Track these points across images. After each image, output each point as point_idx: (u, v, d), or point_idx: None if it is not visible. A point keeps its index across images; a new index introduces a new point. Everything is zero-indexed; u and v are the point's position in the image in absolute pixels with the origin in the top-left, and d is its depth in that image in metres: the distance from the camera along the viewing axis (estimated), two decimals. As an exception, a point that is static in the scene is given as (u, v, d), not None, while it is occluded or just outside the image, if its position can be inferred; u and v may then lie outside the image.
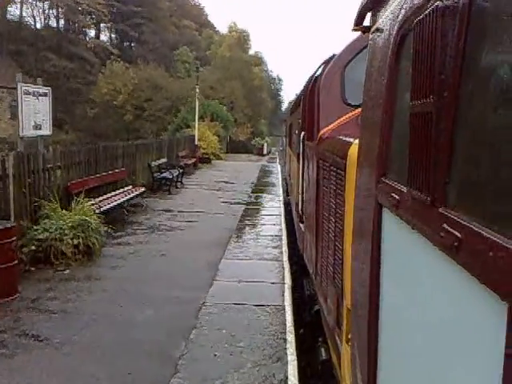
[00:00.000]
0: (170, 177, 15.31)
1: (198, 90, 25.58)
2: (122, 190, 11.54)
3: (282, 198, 14.54)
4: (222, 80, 49.74)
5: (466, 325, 1.01)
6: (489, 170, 0.97)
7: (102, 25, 58.11)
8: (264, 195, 15.50)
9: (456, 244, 1.00)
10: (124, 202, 10.84)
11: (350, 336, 2.79)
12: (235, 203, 13.49)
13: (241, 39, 53.03)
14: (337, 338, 3.51)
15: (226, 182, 18.28)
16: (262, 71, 57.32)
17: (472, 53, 1.08)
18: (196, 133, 25.16)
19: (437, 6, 1.21)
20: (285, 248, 8.67)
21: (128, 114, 45.80)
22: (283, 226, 10.64)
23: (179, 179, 16.69)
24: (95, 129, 45.21)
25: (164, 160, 16.83)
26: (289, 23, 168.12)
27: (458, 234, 1.00)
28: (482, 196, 1.00)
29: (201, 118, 32.20)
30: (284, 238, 9.50)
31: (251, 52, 56.94)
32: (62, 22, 53.77)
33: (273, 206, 13.31)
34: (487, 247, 0.87)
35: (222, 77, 50.08)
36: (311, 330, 5.44)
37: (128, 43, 61.23)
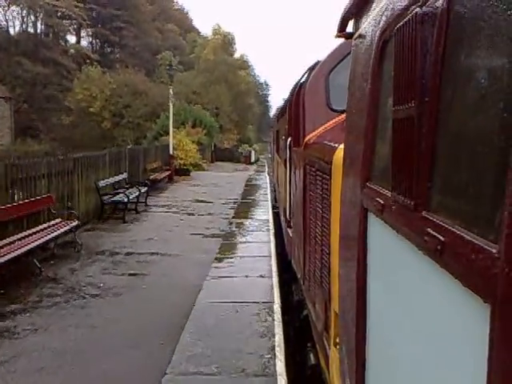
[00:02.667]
0: (125, 200, 11.58)
1: (171, 92, 21.45)
2: (42, 226, 8.01)
3: (271, 227, 10.93)
4: (206, 84, 47.54)
5: (450, 327, 1.02)
6: (470, 174, 0.98)
7: (82, 31, 56.58)
8: (248, 222, 11.89)
9: (439, 247, 1.02)
10: (40, 244, 7.32)
11: (337, 340, 2.80)
12: (209, 235, 9.98)
13: (225, 42, 50.95)
14: (325, 342, 3.51)
15: (203, 202, 14.93)
16: (248, 75, 55.22)
17: (451, 58, 1.10)
18: (171, 141, 21.27)
19: (416, 12, 1.23)
20: (278, 339, 4.95)
21: (105, 122, 42.90)
22: (274, 279, 6.94)
23: (142, 200, 13.34)
24: (71, 138, 42.57)
25: (123, 176, 13.59)
26: (276, 29, 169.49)
27: (441, 238, 1.01)
28: (463, 200, 1.01)
29: (182, 124, 30.50)
30: (277, 307, 5.82)
31: (237, 55, 54.92)
32: (38, 26, 52.33)
33: (260, 241, 9.62)
34: (469, 250, 0.88)
35: (206, 81, 47.89)
36: (300, 335, 5.43)
37: (110, 48, 59.54)
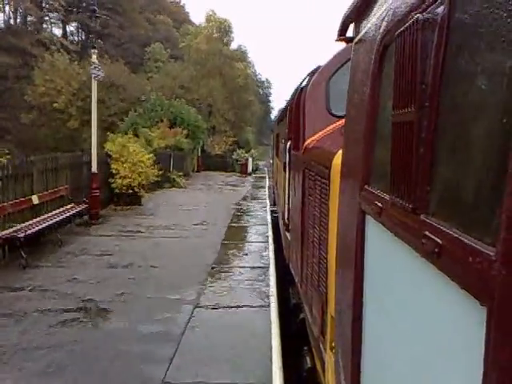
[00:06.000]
0: None
1: (95, 60, 12.16)
2: None
3: None
4: (197, 78, 41.16)
5: (447, 329, 1.03)
6: (468, 177, 0.99)
7: (67, 26, 51.27)
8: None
9: (437, 250, 1.02)
10: None
11: (333, 343, 2.80)
12: None
13: (221, 30, 43.17)
14: (321, 345, 3.51)
15: (88, 320, 5.63)
16: (246, 68, 47.04)
17: (451, 63, 1.11)
18: (93, 149, 12.14)
19: (417, 18, 1.24)
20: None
21: (72, 120, 34.99)
22: None
23: None
24: (35, 139, 35.78)
25: None
26: (280, 28, 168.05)
27: (439, 241, 1.02)
28: (461, 203, 1.02)
29: (157, 122, 25.00)
30: None
31: (234, 46, 46.55)
32: (15, 16, 47.01)
33: None
34: (467, 253, 0.89)
35: (197, 74, 41.52)
36: (296, 339, 5.43)
37: (97, 39, 55.43)
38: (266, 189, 20.79)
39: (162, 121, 25.18)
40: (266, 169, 33.48)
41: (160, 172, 15.68)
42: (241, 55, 46.78)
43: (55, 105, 35.06)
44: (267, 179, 24.76)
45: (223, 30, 43.89)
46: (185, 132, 25.54)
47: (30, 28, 48.32)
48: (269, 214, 13.63)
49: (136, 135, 20.41)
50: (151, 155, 15.24)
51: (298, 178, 5.36)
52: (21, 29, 46.51)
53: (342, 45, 4.70)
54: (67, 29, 54.34)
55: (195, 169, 28.97)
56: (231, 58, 44.20)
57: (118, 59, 40.67)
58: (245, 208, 15.31)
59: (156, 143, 20.61)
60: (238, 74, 44.09)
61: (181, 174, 21.49)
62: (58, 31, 53.32)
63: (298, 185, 5.32)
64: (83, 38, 55.36)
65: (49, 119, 36.17)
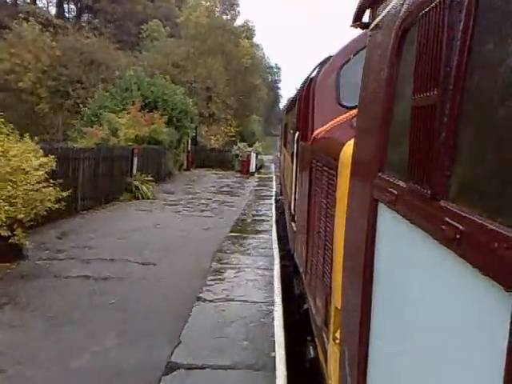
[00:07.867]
0: None
1: None
2: None
3: None
4: (195, 56, 34.58)
5: (468, 318, 1.00)
6: (494, 162, 0.96)
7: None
8: None
9: (458, 236, 1.00)
10: None
11: (337, 335, 2.79)
12: None
13: (225, 2, 38.12)
14: (324, 336, 3.50)
15: None
16: (253, 46, 41.10)
17: (479, 45, 1.07)
18: None
19: None
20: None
21: (42, 103, 28.83)
22: None
23: None
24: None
25: None
26: (291, 12, 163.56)
27: (460, 227, 0.99)
28: (486, 189, 0.99)
29: (123, 106, 18.82)
30: None
31: (240, 22, 40.64)
32: None
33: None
34: (492, 239, 0.86)
35: (195, 51, 35.04)
36: (300, 329, 5.44)
37: (90, 16, 48.34)
38: (273, 202, 13.47)
39: (133, 104, 18.40)
40: (272, 166, 27.12)
41: (65, 194, 7.96)
42: (247, 32, 40.36)
43: (20, 84, 28.45)
44: (274, 183, 17.74)
45: (227, 2, 38.67)
46: (165, 118, 18.78)
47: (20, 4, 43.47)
48: (279, 312, 5.70)
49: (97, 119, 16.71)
50: (46, 159, 7.94)
51: (306, 169, 5.32)
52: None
53: (355, 33, 4.64)
54: (61, 7, 50.26)
55: (184, 166, 23.34)
56: (236, 34, 37.99)
57: (103, 33, 35.21)
58: (228, 262, 7.59)
59: (123, 133, 15.84)
60: (243, 53, 37.74)
61: (150, 178, 14.55)
62: (53, 10, 49.62)
63: (305, 175, 5.29)
64: (74, 13, 51.07)
65: (16, 101, 29.13)
